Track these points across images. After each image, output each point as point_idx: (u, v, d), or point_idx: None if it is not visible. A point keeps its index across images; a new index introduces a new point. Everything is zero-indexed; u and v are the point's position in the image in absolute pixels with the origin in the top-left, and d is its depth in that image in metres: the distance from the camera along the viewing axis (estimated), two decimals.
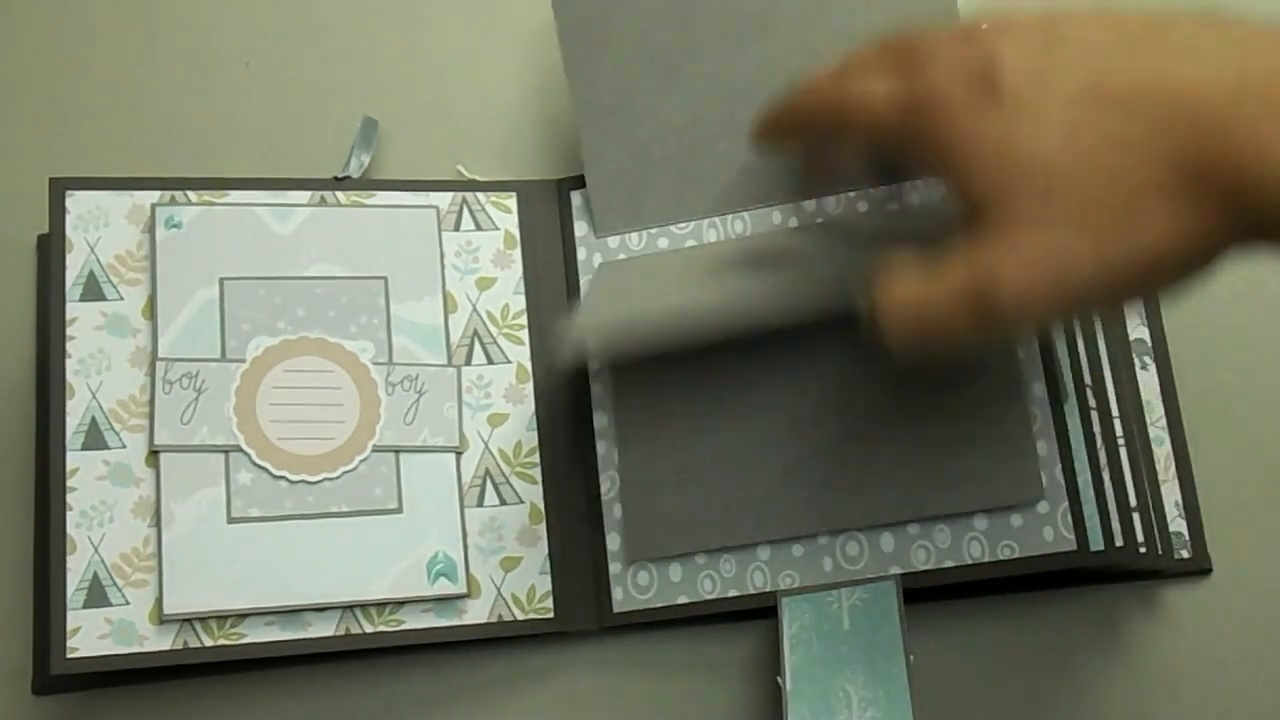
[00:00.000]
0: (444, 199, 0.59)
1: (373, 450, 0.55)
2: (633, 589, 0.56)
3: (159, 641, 0.51)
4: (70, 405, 0.53)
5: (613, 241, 0.59)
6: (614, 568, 0.56)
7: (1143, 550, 0.54)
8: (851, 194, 0.57)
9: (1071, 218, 0.42)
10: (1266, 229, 0.41)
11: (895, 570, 0.54)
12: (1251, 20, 0.42)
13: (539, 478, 0.57)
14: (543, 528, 0.56)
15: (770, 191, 0.58)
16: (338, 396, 0.55)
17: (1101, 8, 0.45)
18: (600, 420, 0.57)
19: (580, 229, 0.59)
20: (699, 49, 0.58)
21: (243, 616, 0.52)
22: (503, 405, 0.57)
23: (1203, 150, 0.41)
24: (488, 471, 0.56)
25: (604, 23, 0.58)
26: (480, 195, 0.60)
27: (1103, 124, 0.42)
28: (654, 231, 0.58)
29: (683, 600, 0.55)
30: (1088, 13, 0.44)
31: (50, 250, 0.55)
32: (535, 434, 0.57)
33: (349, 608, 0.53)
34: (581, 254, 0.59)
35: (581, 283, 0.59)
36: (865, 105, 0.46)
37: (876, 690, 0.51)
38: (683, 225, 0.58)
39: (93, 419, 0.53)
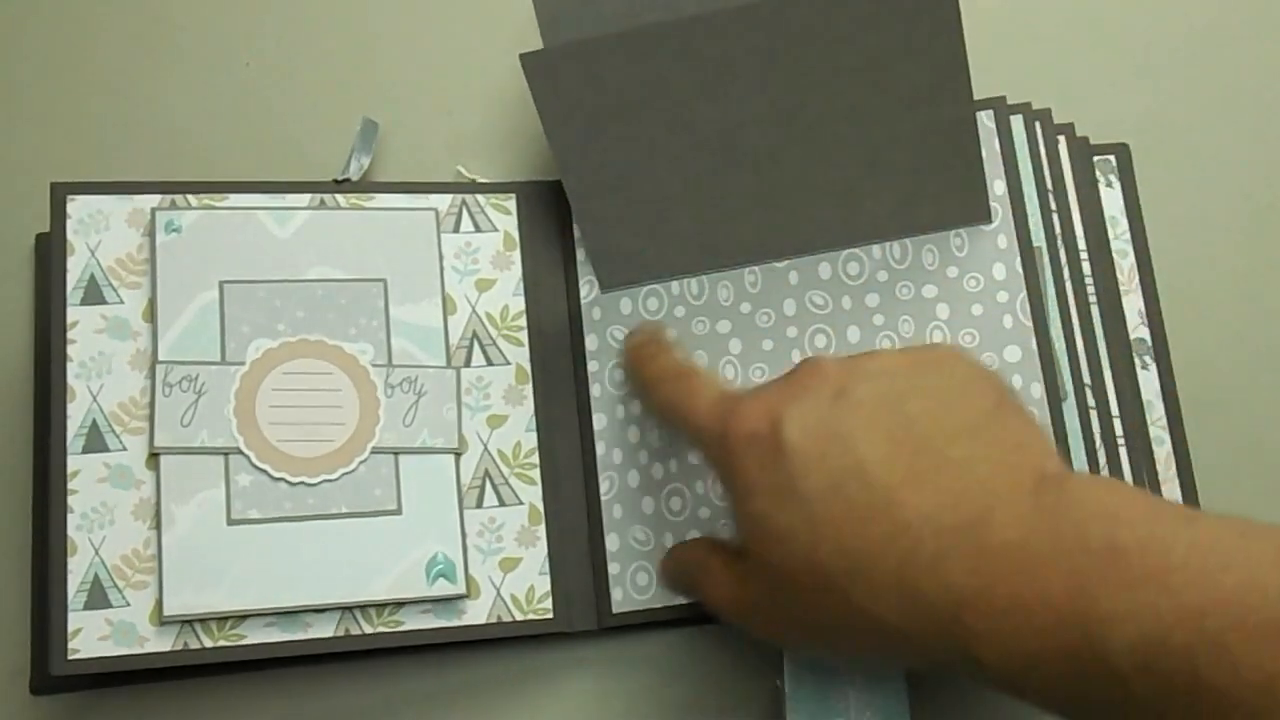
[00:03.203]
0: (443, 201, 0.59)
1: (372, 452, 0.55)
2: (632, 589, 0.56)
3: (159, 643, 0.52)
4: (71, 408, 0.53)
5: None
6: (614, 568, 0.56)
7: None
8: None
9: (787, 588, 0.46)
10: (968, 667, 0.43)
11: None
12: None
13: (538, 478, 0.57)
14: (542, 528, 0.56)
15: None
16: (337, 399, 0.55)
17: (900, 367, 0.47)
18: (599, 421, 0.58)
19: (578, 229, 0.59)
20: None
21: (243, 618, 0.52)
22: (502, 406, 0.57)
23: (918, 580, 0.43)
24: (487, 472, 0.56)
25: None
26: (480, 197, 0.60)
27: (848, 516, 0.44)
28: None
29: (681, 601, 0.55)
30: (889, 367, 0.47)
31: (51, 254, 0.55)
32: (534, 435, 0.57)
33: (348, 608, 0.53)
34: (580, 255, 0.59)
35: (581, 285, 0.59)
36: (695, 416, 0.50)
37: (875, 693, 0.52)
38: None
39: (93, 421, 0.54)
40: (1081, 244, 0.59)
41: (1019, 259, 0.57)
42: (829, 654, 0.48)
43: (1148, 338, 0.59)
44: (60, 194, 0.56)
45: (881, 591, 0.43)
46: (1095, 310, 0.58)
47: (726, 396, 0.49)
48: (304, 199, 0.58)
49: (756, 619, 0.49)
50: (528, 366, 0.58)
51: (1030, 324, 0.56)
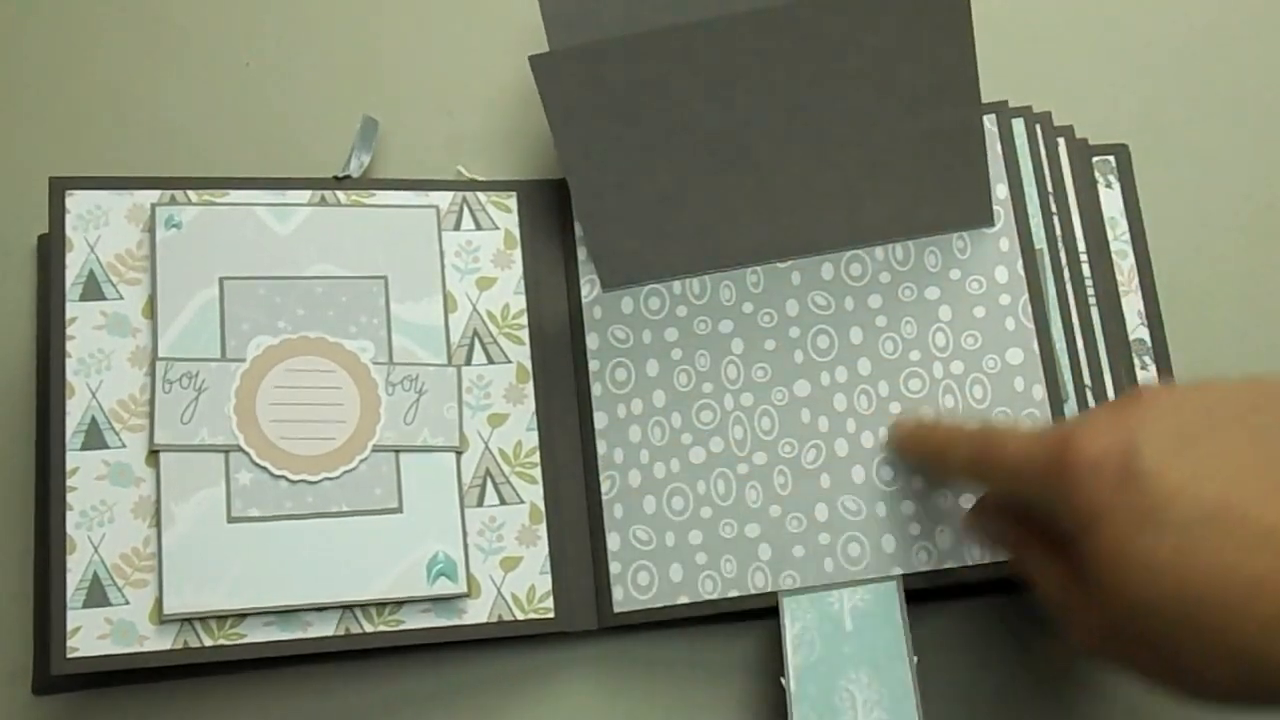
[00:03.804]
0: (444, 199, 0.59)
1: (373, 450, 0.55)
2: (633, 589, 0.56)
3: (159, 641, 0.51)
4: (70, 405, 0.53)
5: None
6: (614, 568, 0.56)
7: None
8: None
9: (1150, 620, 0.42)
10: None
11: (897, 570, 0.54)
12: None
13: (539, 478, 0.57)
14: (543, 528, 0.56)
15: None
16: (338, 396, 0.55)
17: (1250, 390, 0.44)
18: (600, 420, 0.57)
19: (581, 229, 0.59)
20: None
21: (242, 616, 0.52)
22: (503, 405, 0.57)
23: None
24: (488, 471, 0.56)
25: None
26: (480, 195, 0.60)
27: (1226, 548, 0.40)
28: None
29: (683, 600, 0.55)
30: (1233, 398, 0.44)
31: (50, 250, 0.55)
32: (535, 434, 0.57)
33: (349, 608, 0.53)
34: (581, 254, 0.59)
35: (582, 283, 0.59)
36: (1009, 455, 0.47)
37: (881, 691, 0.51)
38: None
39: (93, 419, 0.53)
40: (1081, 245, 0.59)
41: (1020, 262, 0.57)
42: (1191, 695, 0.43)
43: (1147, 338, 0.59)
44: (59, 189, 0.56)
45: (1272, 629, 0.39)
46: (1095, 312, 0.58)
47: (1049, 429, 0.46)
48: (304, 196, 0.58)
49: (1113, 653, 0.45)
50: (529, 365, 0.58)
51: (1032, 326, 0.56)
